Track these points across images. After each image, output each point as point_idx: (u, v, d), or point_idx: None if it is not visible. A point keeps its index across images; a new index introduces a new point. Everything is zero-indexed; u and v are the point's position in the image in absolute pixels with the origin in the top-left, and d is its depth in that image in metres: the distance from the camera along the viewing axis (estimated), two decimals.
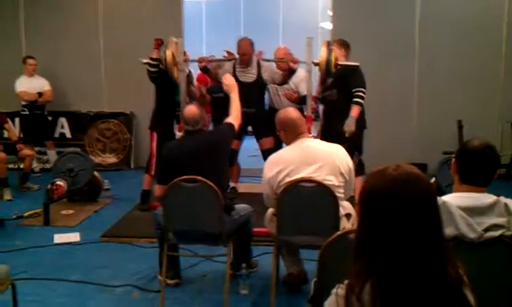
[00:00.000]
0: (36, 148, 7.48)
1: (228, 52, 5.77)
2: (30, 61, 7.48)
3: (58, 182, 5.64)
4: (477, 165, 2.19)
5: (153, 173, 5.64)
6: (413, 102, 7.56)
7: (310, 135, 4.10)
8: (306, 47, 5.10)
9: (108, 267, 4.21)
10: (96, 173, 6.23)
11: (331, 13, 8.00)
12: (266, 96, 6.10)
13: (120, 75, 7.91)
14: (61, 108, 8.06)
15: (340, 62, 5.07)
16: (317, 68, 5.12)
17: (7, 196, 6.21)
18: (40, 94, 7.41)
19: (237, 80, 5.42)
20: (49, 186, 5.55)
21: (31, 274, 4.01)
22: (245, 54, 5.49)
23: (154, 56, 5.46)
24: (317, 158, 3.35)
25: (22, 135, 7.45)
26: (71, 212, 5.73)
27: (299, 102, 5.74)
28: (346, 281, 1.36)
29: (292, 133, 3.49)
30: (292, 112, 3.59)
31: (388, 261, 1.32)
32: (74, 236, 4.92)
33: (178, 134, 5.49)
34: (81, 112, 8.14)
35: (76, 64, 8.00)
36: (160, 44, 5.47)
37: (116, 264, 4.29)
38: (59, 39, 8.00)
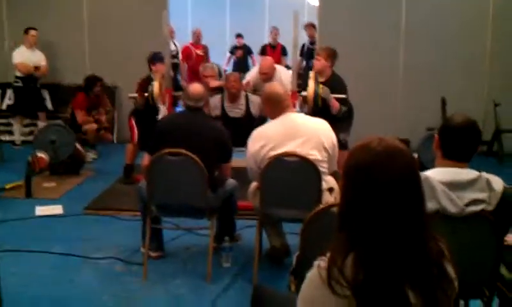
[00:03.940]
0: (27, 120, 7.64)
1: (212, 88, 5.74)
2: (32, 31, 7.42)
3: (39, 154, 5.58)
4: (459, 141, 2.21)
5: (135, 141, 5.62)
6: (398, 78, 7.57)
7: (295, 109, 4.09)
8: (293, 21, 5.07)
9: (91, 240, 4.20)
10: (78, 146, 6.16)
11: None
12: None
13: (104, 47, 7.79)
14: (44, 80, 7.94)
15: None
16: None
17: None
18: (37, 68, 7.41)
19: (225, 115, 5.41)
20: (30, 158, 5.49)
21: (12, 246, 3.98)
22: (234, 86, 5.38)
23: (140, 101, 5.37)
24: (301, 133, 3.36)
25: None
26: (53, 184, 5.69)
27: None
28: (328, 254, 1.36)
29: (277, 108, 3.49)
30: (277, 86, 3.59)
31: (370, 234, 1.33)
32: (57, 209, 4.89)
33: (161, 107, 5.44)
34: (64, 85, 8.03)
35: (59, 36, 7.85)
36: (142, 88, 5.35)
37: (99, 237, 4.28)
38: (41, 11, 7.83)
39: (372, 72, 7.29)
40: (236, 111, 5.47)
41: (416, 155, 5.08)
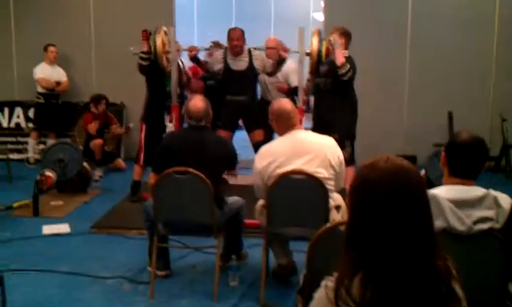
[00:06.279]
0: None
1: (215, 43, 5.75)
2: (51, 48, 7.58)
3: (47, 173, 5.60)
4: (466, 158, 2.20)
5: (141, 163, 5.63)
6: (404, 94, 7.57)
7: (302, 127, 4.10)
8: (299, 37, 5.09)
9: (98, 259, 4.19)
10: (85, 164, 6.19)
11: (323, 4, 7.98)
12: (258, 87, 6.08)
13: (111, 65, 7.86)
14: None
15: (332, 41, 5.01)
16: (308, 58, 5.12)
17: None
18: (58, 83, 7.61)
19: (228, 68, 5.42)
20: (38, 177, 5.51)
21: (19, 266, 3.98)
22: (236, 45, 5.41)
23: (145, 49, 5.38)
24: (307, 151, 3.35)
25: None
26: (60, 203, 5.69)
27: (291, 92, 5.73)
28: (336, 274, 1.36)
29: (284, 125, 3.49)
30: (285, 103, 3.58)
31: (377, 253, 1.32)
32: (63, 228, 4.89)
33: (169, 125, 5.46)
34: (71, 102, 8.08)
35: (66, 54, 7.93)
36: (148, 35, 5.38)
37: (106, 255, 4.27)
38: (49, 30, 7.92)
39: (378, 88, 7.29)
40: (239, 64, 5.48)
41: (423, 171, 5.06)
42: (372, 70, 6.98)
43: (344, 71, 4.99)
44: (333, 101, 5.16)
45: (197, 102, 3.70)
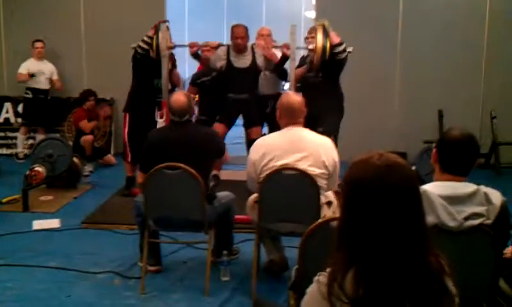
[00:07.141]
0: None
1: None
2: (37, 44, 7.52)
3: (37, 168, 5.57)
4: (457, 155, 2.21)
5: (129, 159, 5.61)
6: (394, 91, 7.59)
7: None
8: (290, 34, 5.09)
9: (88, 254, 4.17)
10: (75, 159, 6.16)
11: (314, 2, 7.98)
12: None
13: (101, 61, 7.82)
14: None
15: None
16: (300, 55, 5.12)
17: None
18: (50, 79, 7.60)
19: (231, 66, 5.37)
20: (28, 172, 5.48)
21: (9, 261, 3.96)
22: (240, 44, 5.33)
23: (150, 34, 5.34)
24: (303, 148, 3.35)
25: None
26: (50, 198, 5.66)
27: (280, 75, 5.65)
28: (329, 269, 1.36)
29: (286, 119, 3.48)
30: (295, 99, 3.54)
31: (370, 249, 1.32)
32: (54, 223, 4.86)
33: (160, 121, 5.44)
34: (61, 98, 8.03)
35: (56, 50, 7.87)
36: (159, 23, 5.35)
37: (97, 251, 4.25)
38: (38, 25, 7.85)
39: (369, 85, 7.31)
40: (242, 61, 5.40)
41: (413, 168, 5.09)
42: (363, 68, 6.99)
43: (340, 49, 5.02)
44: (319, 95, 5.14)
45: (179, 97, 3.68)
